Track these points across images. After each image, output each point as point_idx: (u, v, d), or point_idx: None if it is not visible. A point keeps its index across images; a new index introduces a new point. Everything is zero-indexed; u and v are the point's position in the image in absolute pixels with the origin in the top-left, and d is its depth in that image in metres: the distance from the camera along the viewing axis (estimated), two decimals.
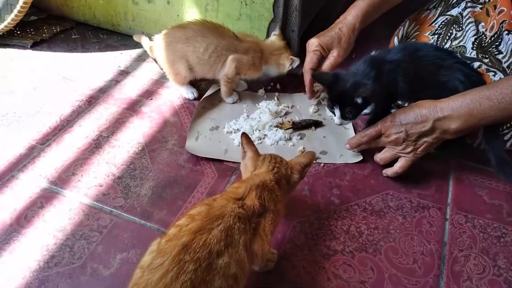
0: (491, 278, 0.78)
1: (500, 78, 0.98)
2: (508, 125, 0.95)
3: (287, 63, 1.15)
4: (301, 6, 1.24)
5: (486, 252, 0.83)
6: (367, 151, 1.02)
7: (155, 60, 1.28)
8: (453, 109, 0.85)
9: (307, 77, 1.07)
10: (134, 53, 1.38)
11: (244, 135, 0.81)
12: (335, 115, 0.97)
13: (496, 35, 1.03)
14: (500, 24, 1.02)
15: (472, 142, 1.01)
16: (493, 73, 1.00)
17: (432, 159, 1.02)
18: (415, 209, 0.91)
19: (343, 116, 0.95)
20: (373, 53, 0.97)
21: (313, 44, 1.05)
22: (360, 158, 1.02)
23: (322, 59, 1.06)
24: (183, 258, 0.57)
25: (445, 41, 1.11)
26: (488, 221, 0.89)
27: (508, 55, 1.00)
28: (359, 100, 0.90)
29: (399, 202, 0.92)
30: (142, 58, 1.35)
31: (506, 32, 1.01)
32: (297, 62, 1.15)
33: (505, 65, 0.99)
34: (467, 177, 0.98)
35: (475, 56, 1.04)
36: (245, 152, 0.80)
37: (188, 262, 0.57)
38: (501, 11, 1.04)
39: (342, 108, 0.93)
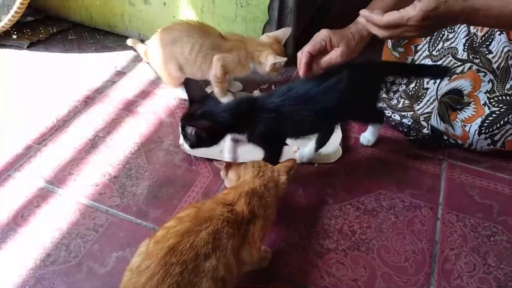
0: (481, 276, 0.80)
1: (490, 79, 0.99)
2: (498, 125, 0.96)
3: (268, 61, 1.12)
4: (296, 8, 1.26)
5: (476, 251, 0.84)
6: (367, 149, 1.03)
7: (149, 64, 1.29)
8: None
9: (302, 59, 1.01)
10: (130, 54, 1.39)
11: (226, 165, 0.81)
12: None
13: (487, 35, 1.04)
14: None
15: (463, 142, 1.02)
16: (483, 74, 1.01)
17: (424, 159, 1.04)
18: (407, 208, 0.92)
19: (184, 136, 0.88)
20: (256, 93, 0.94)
21: (323, 34, 1.02)
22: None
23: (322, 52, 1.01)
24: (169, 260, 0.57)
25: (437, 42, 1.13)
26: (479, 220, 0.90)
27: (498, 55, 1.01)
28: (188, 130, 0.84)
29: (391, 201, 0.94)
30: (138, 59, 1.36)
31: (498, 32, 1.02)
32: (281, 60, 1.12)
33: (495, 66, 1.00)
34: (458, 177, 1.00)
35: (466, 58, 1.06)
36: (226, 170, 0.81)
37: (174, 265, 0.57)
38: None
39: (183, 128, 0.86)
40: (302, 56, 1.01)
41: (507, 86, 0.97)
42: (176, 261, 0.57)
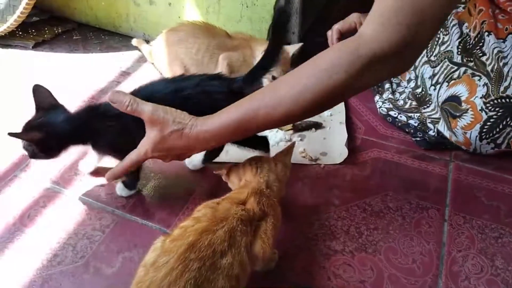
0: (489, 278, 0.79)
1: (484, 83, 0.97)
2: (498, 129, 0.96)
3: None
4: (302, 8, 1.26)
5: (484, 253, 0.84)
6: (374, 150, 1.03)
7: (153, 65, 1.29)
8: None
9: (334, 35, 1.06)
10: (135, 54, 1.39)
11: (226, 168, 0.82)
12: None
13: (479, 36, 1.02)
14: (481, 24, 1.01)
15: (467, 148, 1.02)
16: (478, 77, 0.99)
17: (431, 161, 1.04)
18: (414, 210, 0.92)
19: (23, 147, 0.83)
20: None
21: (353, 16, 1.06)
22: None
23: (351, 31, 1.05)
24: (189, 256, 0.58)
25: (434, 46, 1.12)
26: (486, 222, 0.90)
27: (491, 58, 0.99)
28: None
29: (398, 203, 0.93)
30: (143, 59, 1.36)
31: (487, 33, 1.00)
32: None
33: (488, 68, 0.98)
34: (465, 179, 1.00)
35: (461, 61, 1.04)
36: (227, 175, 0.82)
37: (193, 260, 0.58)
38: (480, 10, 1.03)
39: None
40: (333, 33, 1.06)
41: (501, 88, 0.95)
42: (195, 257, 0.58)
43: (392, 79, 1.23)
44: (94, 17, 1.50)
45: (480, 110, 0.97)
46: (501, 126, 0.95)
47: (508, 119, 0.94)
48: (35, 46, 1.41)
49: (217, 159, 1.00)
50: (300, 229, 0.87)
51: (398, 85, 1.21)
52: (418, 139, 1.08)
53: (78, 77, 1.28)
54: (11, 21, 1.35)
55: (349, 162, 1.03)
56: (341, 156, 1.02)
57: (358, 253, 0.83)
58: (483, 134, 0.97)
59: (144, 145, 0.73)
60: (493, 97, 0.96)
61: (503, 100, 0.95)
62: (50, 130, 0.78)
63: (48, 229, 0.85)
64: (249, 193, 0.72)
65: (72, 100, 1.19)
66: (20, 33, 1.44)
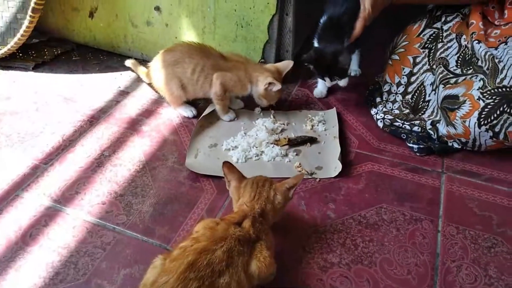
0: (483, 287, 0.81)
1: (481, 78, 1.02)
2: (495, 114, 0.98)
3: (261, 83, 1.16)
4: (294, 28, 1.30)
5: (477, 262, 0.85)
6: (368, 164, 1.06)
7: (149, 85, 1.32)
8: None
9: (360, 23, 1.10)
10: (133, 73, 1.42)
11: (226, 164, 0.83)
12: None
13: (471, 45, 1.08)
14: (471, 35, 1.08)
15: (467, 140, 1.05)
16: (475, 76, 1.04)
17: (424, 173, 1.06)
18: (408, 221, 0.94)
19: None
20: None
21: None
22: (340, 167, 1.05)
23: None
24: (188, 275, 0.60)
25: (435, 54, 1.16)
26: (478, 232, 0.92)
27: (483, 60, 1.04)
28: None
29: (392, 215, 0.95)
30: (141, 78, 1.39)
31: (476, 41, 1.06)
32: (277, 86, 1.15)
33: (484, 68, 1.03)
34: (457, 190, 1.02)
35: (460, 73, 1.09)
36: (229, 181, 0.83)
37: (193, 280, 0.60)
38: (471, 23, 1.10)
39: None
40: (361, 21, 1.09)
41: (498, 80, 0.99)
42: (194, 276, 0.61)
43: (382, 86, 1.27)
44: (92, 38, 1.54)
45: (477, 99, 1.00)
46: (498, 112, 0.98)
47: (505, 106, 0.97)
48: (35, 68, 1.44)
49: (215, 174, 1.03)
50: (298, 242, 0.89)
51: (389, 92, 1.24)
52: (421, 146, 1.11)
53: (78, 97, 1.31)
54: (12, 44, 1.38)
55: (344, 175, 1.05)
56: (336, 170, 1.05)
57: (354, 265, 0.84)
58: (481, 119, 0.99)
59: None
60: (489, 88, 0.99)
61: (500, 90, 0.98)
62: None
63: (50, 247, 0.86)
64: (245, 216, 0.74)
65: (72, 119, 1.21)
66: (20, 54, 1.47)
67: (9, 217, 0.92)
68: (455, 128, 1.04)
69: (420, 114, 1.18)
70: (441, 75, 1.11)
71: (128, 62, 1.34)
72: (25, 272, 0.81)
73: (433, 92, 1.15)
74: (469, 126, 1.01)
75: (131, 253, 0.85)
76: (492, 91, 0.99)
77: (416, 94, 1.19)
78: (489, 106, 0.98)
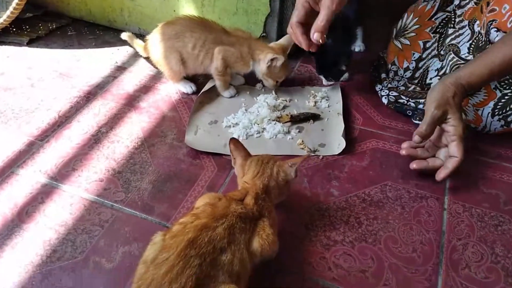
0: (489, 265, 0.80)
1: None
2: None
3: (266, 57, 1.11)
4: (280, 10, 1.24)
5: (484, 241, 0.84)
6: (372, 141, 1.03)
7: (147, 59, 1.28)
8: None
9: (297, 32, 0.93)
10: (130, 49, 1.38)
11: (232, 140, 0.80)
12: None
13: (488, 34, 1.01)
14: (489, 23, 0.99)
15: (477, 126, 1.02)
16: None
17: None
18: (413, 199, 0.92)
19: None
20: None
21: None
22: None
23: (312, 15, 0.92)
24: (189, 253, 0.58)
25: (444, 40, 1.11)
26: (485, 210, 0.90)
27: None
28: None
29: (397, 192, 0.93)
30: (138, 53, 1.35)
31: (495, 29, 0.99)
32: (280, 60, 1.10)
33: None
34: (463, 167, 0.99)
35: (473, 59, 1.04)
36: (234, 158, 0.81)
37: (194, 257, 0.58)
38: (493, 9, 1.01)
39: None
40: (293, 29, 0.93)
41: None
42: (195, 253, 0.59)
43: (389, 67, 1.23)
44: (88, 12, 1.49)
45: (494, 88, 0.96)
46: None
47: None
48: (30, 43, 1.40)
49: (216, 151, 1.00)
50: (300, 220, 0.87)
51: (396, 73, 1.21)
52: None
53: (74, 73, 1.27)
54: (4, 17, 1.33)
55: (348, 153, 1.02)
56: (340, 147, 1.02)
57: (358, 243, 0.82)
58: (496, 110, 0.96)
59: None
60: (508, 77, 0.95)
61: None
62: None
63: (46, 225, 0.84)
64: (247, 193, 0.73)
65: (68, 95, 1.18)
66: (14, 29, 1.43)
67: (4, 195, 0.90)
68: (465, 115, 1.01)
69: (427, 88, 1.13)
70: (451, 62, 1.07)
71: (124, 35, 1.29)
72: (21, 250, 0.79)
73: (437, 77, 1.10)
74: (481, 115, 0.98)
75: (130, 230, 0.83)
76: (511, 80, 0.94)
77: (421, 79, 1.15)
78: (506, 97, 0.94)
